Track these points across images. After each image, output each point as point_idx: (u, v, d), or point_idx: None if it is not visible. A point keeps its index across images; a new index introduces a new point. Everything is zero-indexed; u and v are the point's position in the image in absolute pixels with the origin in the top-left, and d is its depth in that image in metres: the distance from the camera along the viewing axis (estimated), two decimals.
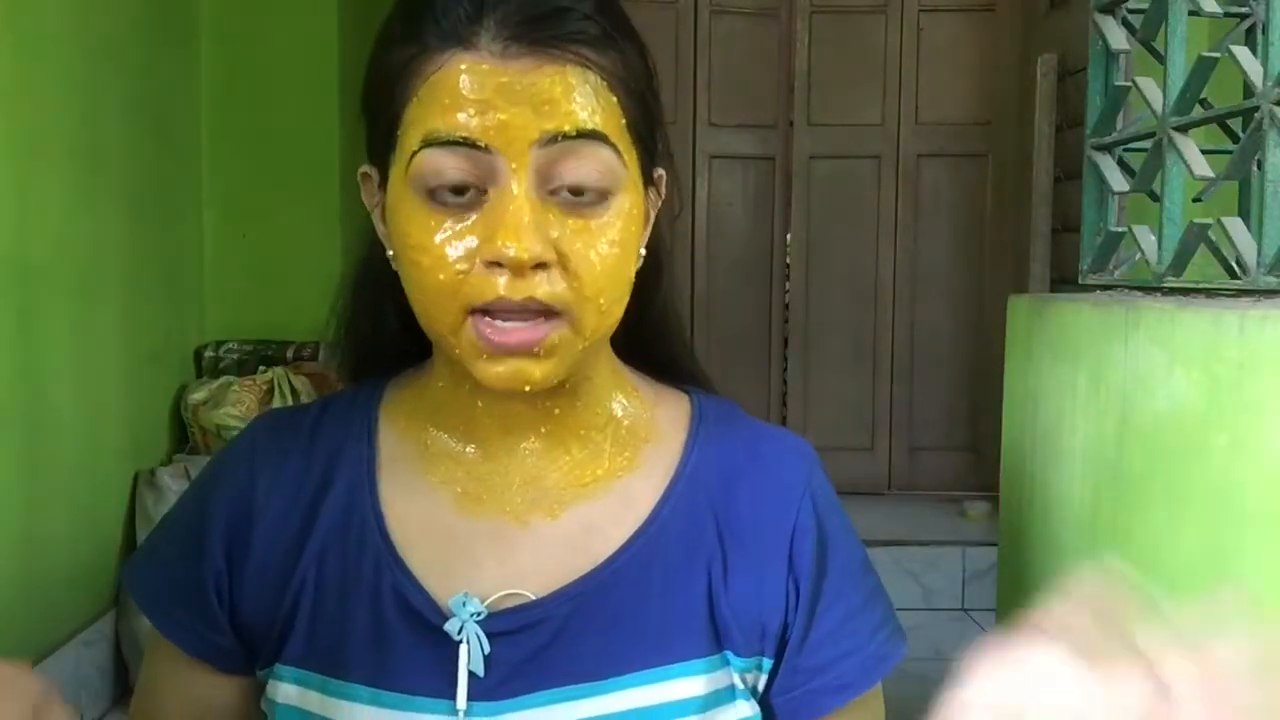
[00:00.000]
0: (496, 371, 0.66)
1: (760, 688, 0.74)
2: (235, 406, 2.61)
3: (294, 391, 2.71)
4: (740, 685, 0.73)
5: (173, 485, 2.42)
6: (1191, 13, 1.18)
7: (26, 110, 2.01)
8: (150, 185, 2.59)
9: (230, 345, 2.86)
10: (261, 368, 2.77)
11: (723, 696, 0.72)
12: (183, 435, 2.71)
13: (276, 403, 2.66)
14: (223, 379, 2.71)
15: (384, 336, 0.80)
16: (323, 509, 0.74)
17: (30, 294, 2.03)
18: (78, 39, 2.22)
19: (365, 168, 0.73)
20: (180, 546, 0.77)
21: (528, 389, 0.66)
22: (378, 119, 0.70)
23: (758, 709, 0.74)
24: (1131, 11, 1.32)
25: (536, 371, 0.66)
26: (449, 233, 0.65)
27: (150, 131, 2.56)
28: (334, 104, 2.92)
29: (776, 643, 0.74)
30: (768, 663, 0.74)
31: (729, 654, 0.73)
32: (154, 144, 2.59)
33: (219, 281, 2.93)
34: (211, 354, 2.85)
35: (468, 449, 0.75)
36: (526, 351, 0.65)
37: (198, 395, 2.66)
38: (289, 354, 2.85)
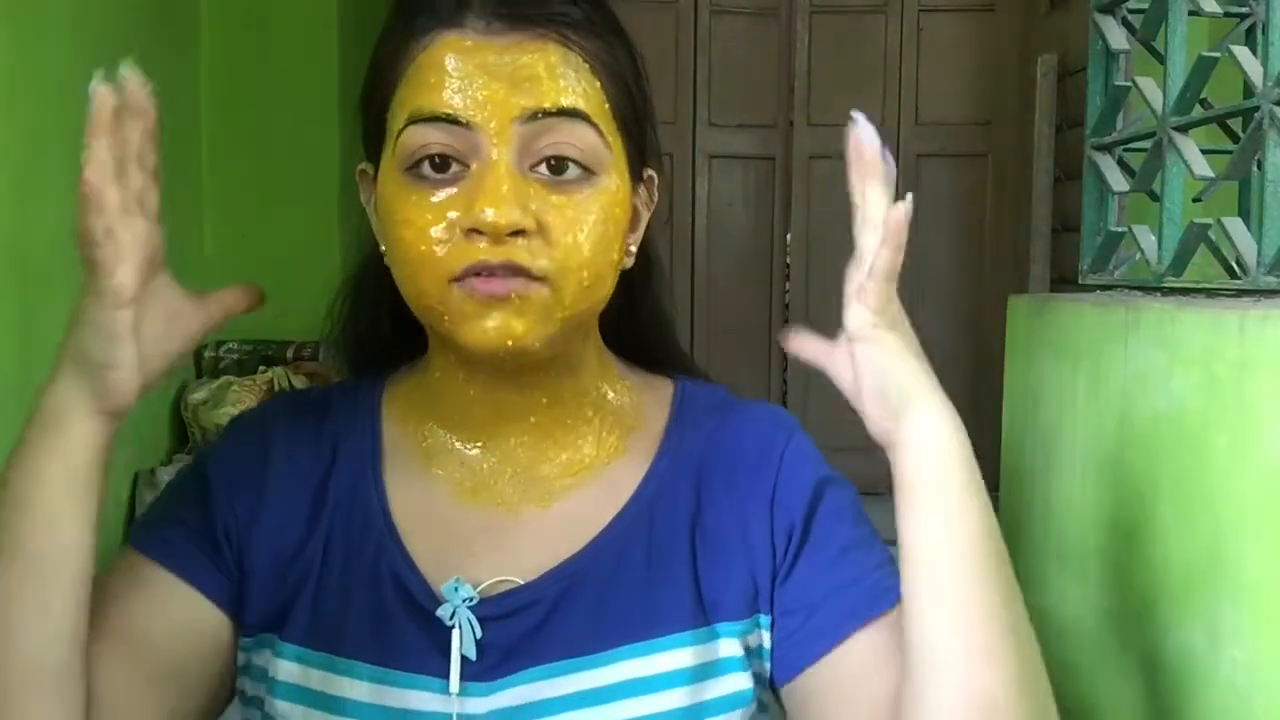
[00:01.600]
0: (483, 327, 0.66)
1: (766, 644, 0.74)
2: (235, 406, 2.61)
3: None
4: (737, 654, 0.73)
5: None
6: (1191, 13, 1.18)
7: (26, 110, 2.01)
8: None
9: (230, 345, 2.86)
10: (261, 368, 2.78)
11: (712, 669, 0.73)
12: (183, 435, 2.71)
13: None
14: (223, 379, 2.71)
15: (378, 338, 0.82)
16: (331, 489, 0.76)
17: (30, 294, 2.02)
18: (78, 39, 2.21)
19: (362, 165, 0.75)
20: (187, 496, 0.76)
21: (510, 343, 0.67)
22: (370, 108, 0.72)
23: (751, 681, 0.74)
24: (1131, 11, 1.32)
25: (519, 325, 0.66)
26: (432, 205, 0.66)
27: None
28: (334, 104, 2.92)
29: (769, 597, 0.74)
30: (765, 619, 0.74)
31: (720, 626, 0.73)
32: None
33: (219, 281, 2.92)
34: (211, 354, 2.85)
35: (463, 443, 0.76)
36: (509, 303, 0.66)
37: (198, 395, 2.66)
38: (289, 354, 2.85)
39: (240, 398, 2.63)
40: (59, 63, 2.14)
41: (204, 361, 2.84)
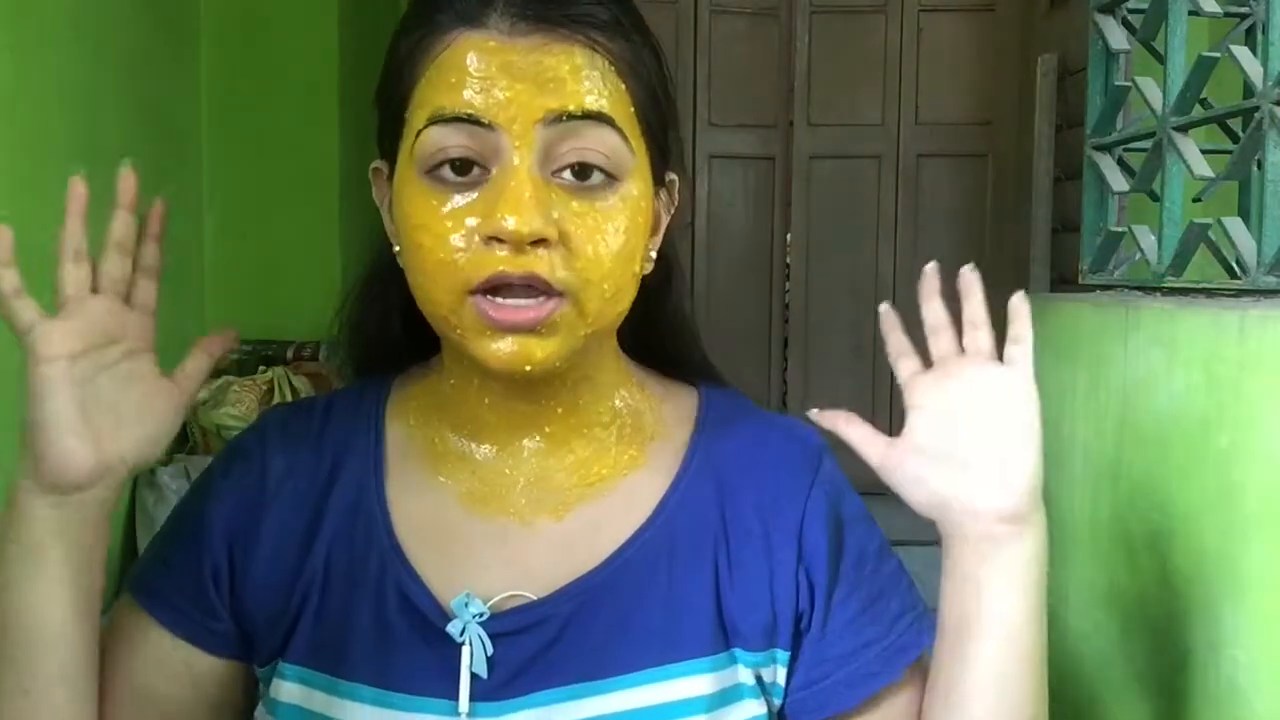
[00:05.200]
0: (498, 349, 0.64)
1: (779, 681, 0.73)
2: (235, 406, 2.60)
3: (294, 391, 2.70)
4: (750, 682, 0.72)
5: (173, 485, 2.42)
6: (1191, 13, 1.18)
7: (26, 110, 2.01)
8: (150, 185, 2.58)
9: None
10: (261, 368, 2.77)
11: (730, 695, 0.71)
12: (183, 435, 2.70)
13: (276, 402, 2.66)
14: (223, 379, 2.71)
15: (388, 337, 0.79)
16: (330, 505, 0.74)
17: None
18: (78, 39, 2.21)
19: (377, 163, 0.73)
20: (181, 533, 0.76)
21: (528, 369, 0.65)
22: (388, 106, 0.70)
23: (765, 708, 0.73)
24: (1131, 11, 1.32)
25: (538, 351, 0.64)
26: (451, 210, 0.64)
27: (150, 131, 2.55)
28: (334, 104, 2.91)
29: (790, 634, 0.73)
30: (783, 655, 0.73)
31: (737, 651, 0.72)
32: (154, 144, 2.59)
33: (219, 281, 2.93)
34: None
35: (474, 448, 0.74)
36: (529, 329, 0.64)
37: (198, 395, 2.66)
38: (289, 354, 2.85)
39: (240, 398, 2.63)
40: (59, 63, 2.14)
41: None
